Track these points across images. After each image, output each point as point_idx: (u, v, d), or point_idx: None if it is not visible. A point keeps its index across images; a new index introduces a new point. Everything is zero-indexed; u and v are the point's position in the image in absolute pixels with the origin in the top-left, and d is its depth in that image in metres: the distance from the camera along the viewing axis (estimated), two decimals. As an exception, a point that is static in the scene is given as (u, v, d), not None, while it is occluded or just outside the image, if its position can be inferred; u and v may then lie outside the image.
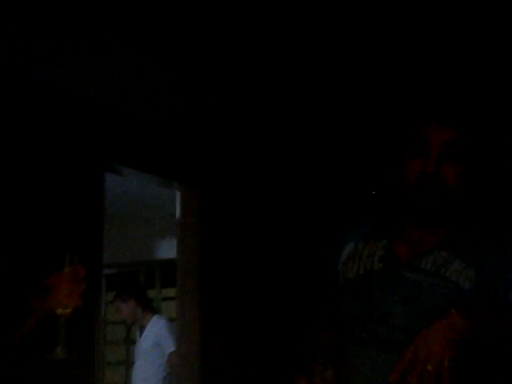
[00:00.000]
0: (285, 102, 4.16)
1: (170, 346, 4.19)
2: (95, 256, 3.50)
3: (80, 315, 1.60)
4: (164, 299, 5.70)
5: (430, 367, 1.22)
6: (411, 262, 1.54)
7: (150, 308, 4.53)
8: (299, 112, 4.28)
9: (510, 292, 1.50)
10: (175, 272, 4.08)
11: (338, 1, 3.21)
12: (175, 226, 4.13)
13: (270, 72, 3.90)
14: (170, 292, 4.99)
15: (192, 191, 3.98)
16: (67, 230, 3.35)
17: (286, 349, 3.63)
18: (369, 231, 1.69)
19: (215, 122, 4.17)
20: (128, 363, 5.67)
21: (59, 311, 1.56)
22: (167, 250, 5.23)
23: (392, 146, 1.72)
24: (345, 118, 4.36)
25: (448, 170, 1.49)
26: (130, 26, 3.19)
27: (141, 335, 4.52)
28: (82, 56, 3.45)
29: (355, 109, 4.28)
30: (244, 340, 4.03)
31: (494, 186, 3.58)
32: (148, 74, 3.73)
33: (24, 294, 1.68)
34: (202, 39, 3.41)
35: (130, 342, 5.65)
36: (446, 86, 3.90)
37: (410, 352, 1.23)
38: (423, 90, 3.93)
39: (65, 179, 3.40)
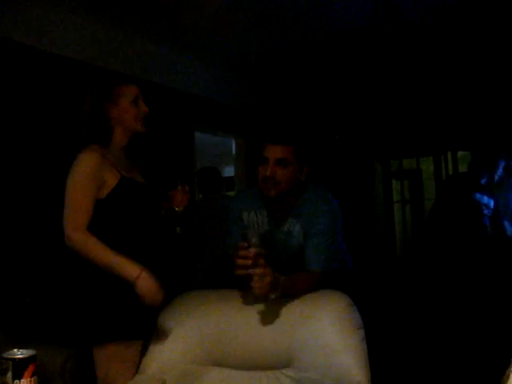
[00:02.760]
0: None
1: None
2: (191, 176, 4.94)
3: (187, 210, 2.35)
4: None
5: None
6: (279, 227, 2.29)
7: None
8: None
9: (307, 257, 2.20)
10: (234, 183, 6.33)
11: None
12: (232, 158, 6.32)
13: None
14: (231, 193, 7.54)
15: (241, 140, 6.09)
16: (178, 165, 4.81)
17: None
18: (251, 204, 2.34)
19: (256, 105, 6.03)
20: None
21: (177, 209, 2.36)
22: (229, 171, 7.02)
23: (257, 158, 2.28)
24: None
25: (279, 172, 2.16)
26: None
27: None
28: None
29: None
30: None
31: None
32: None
33: (159, 199, 2.40)
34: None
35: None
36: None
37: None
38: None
39: (175, 137, 4.91)
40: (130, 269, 2.05)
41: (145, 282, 2.04)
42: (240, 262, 1.91)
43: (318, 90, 6.25)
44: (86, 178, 2.10)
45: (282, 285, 1.99)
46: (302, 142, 2.28)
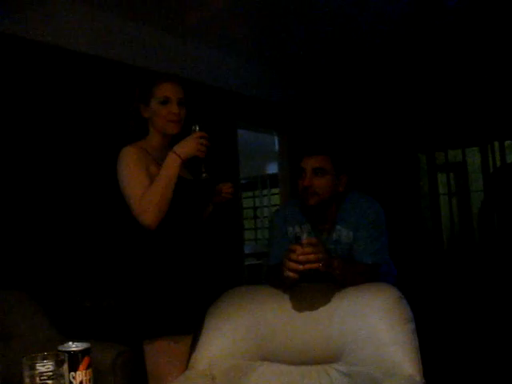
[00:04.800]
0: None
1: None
2: (236, 173, 5.32)
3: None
4: (272, 194, 8.61)
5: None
6: (328, 237, 2.31)
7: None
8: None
9: (358, 250, 2.23)
10: (277, 180, 6.35)
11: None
12: (276, 155, 6.31)
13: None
14: (275, 190, 7.74)
15: (284, 136, 6.10)
16: (222, 163, 4.58)
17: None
18: (294, 217, 2.39)
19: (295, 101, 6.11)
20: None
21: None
22: (272, 168, 7.12)
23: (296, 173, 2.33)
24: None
25: (317, 182, 2.23)
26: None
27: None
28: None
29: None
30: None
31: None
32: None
33: (207, 196, 2.44)
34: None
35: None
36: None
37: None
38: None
39: (219, 135, 4.43)
40: (169, 162, 2.08)
41: (181, 149, 2.10)
42: (293, 265, 1.94)
43: (361, 82, 6.21)
44: (135, 166, 2.11)
45: (337, 266, 2.05)
46: (338, 150, 2.31)
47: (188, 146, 2.10)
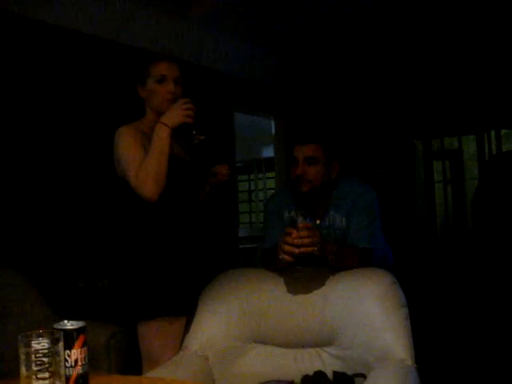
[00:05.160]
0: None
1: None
2: (232, 157, 5.29)
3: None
4: (267, 178, 8.63)
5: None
6: (321, 222, 2.33)
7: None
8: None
9: (351, 235, 2.25)
10: (273, 164, 6.31)
11: None
12: (272, 139, 6.30)
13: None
14: (271, 174, 7.74)
15: (280, 120, 6.09)
16: (218, 146, 4.74)
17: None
18: (289, 203, 2.40)
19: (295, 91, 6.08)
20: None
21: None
22: (268, 151, 7.13)
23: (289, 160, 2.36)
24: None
25: (309, 171, 2.25)
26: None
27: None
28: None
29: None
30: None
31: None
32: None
33: (203, 177, 2.43)
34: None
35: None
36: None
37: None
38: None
39: (215, 118, 4.81)
40: (158, 133, 2.07)
41: (167, 118, 2.08)
42: (288, 248, 1.96)
43: (358, 67, 6.19)
44: (131, 143, 2.11)
45: (331, 250, 2.06)
46: (330, 138, 2.33)
47: (174, 114, 2.08)
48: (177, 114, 2.08)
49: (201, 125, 2.14)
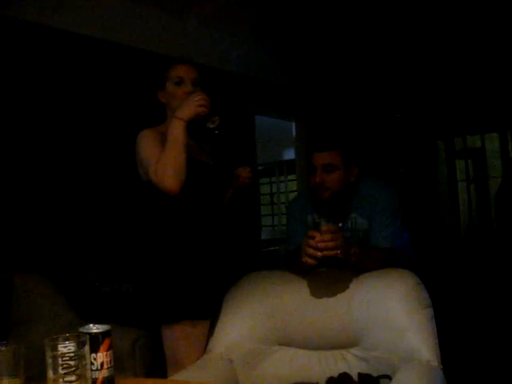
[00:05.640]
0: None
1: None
2: (253, 159, 5.27)
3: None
4: (289, 180, 8.60)
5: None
6: (343, 225, 2.31)
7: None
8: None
9: (373, 236, 2.25)
10: (294, 166, 6.39)
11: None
12: (293, 141, 6.29)
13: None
14: (292, 176, 7.76)
15: (301, 122, 6.11)
16: (239, 149, 4.84)
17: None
18: (309, 207, 2.42)
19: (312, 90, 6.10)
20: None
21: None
22: (290, 154, 7.19)
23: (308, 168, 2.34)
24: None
25: (328, 178, 2.25)
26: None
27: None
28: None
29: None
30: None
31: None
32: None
33: (226, 181, 2.44)
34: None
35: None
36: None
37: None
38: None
39: (236, 121, 4.79)
40: (173, 126, 2.07)
41: (181, 111, 2.07)
42: (311, 252, 1.96)
43: (380, 68, 6.16)
44: (152, 142, 2.12)
45: (354, 253, 2.06)
46: (347, 144, 2.32)
47: (187, 106, 2.07)
48: (189, 106, 2.07)
49: (218, 113, 2.13)
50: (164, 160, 2.01)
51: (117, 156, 3.79)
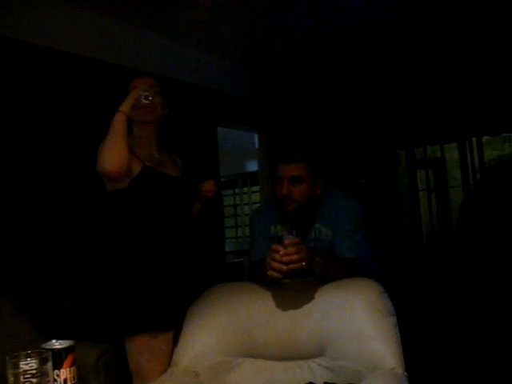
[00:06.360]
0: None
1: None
2: (216, 171, 5.28)
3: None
4: (252, 192, 8.61)
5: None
6: (306, 235, 2.32)
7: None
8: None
9: (337, 246, 2.25)
10: (257, 177, 6.28)
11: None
12: (256, 153, 6.26)
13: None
14: (255, 188, 7.72)
15: (264, 134, 6.04)
16: (201, 160, 4.85)
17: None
18: (274, 218, 2.39)
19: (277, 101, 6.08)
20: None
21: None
22: (253, 165, 7.18)
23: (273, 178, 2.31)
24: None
25: (295, 190, 2.23)
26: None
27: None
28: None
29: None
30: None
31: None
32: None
33: (192, 193, 2.45)
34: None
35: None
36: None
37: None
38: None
39: (198, 132, 4.97)
40: (113, 119, 2.13)
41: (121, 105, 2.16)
42: (276, 266, 1.94)
43: (340, 79, 6.21)
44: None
45: (319, 263, 2.04)
46: (314, 156, 2.30)
47: (127, 99, 2.17)
48: (129, 99, 2.17)
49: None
50: (103, 147, 2.08)
51: (78, 168, 3.75)
